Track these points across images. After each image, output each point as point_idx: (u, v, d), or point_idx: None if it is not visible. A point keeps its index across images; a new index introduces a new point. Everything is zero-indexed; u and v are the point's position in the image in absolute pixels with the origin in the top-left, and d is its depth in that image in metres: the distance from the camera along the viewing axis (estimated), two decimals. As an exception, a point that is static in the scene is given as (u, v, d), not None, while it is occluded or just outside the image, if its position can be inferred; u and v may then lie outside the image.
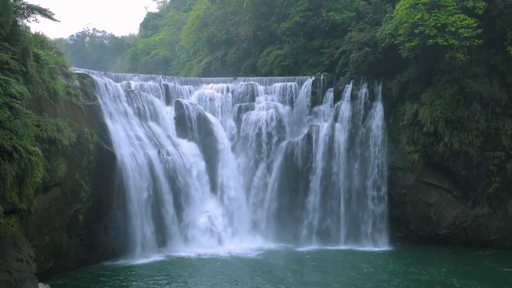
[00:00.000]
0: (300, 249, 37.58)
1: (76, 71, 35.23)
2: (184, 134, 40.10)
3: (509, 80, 37.89)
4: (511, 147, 37.76)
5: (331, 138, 40.14)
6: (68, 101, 31.28)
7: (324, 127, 40.61)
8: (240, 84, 43.66)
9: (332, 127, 40.41)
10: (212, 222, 38.25)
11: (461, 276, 30.70)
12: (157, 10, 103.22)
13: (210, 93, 43.09)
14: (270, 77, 45.58)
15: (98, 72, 40.91)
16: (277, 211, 39.81)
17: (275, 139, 41.22)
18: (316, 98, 42.08)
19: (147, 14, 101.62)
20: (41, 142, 26.65)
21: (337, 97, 41.58)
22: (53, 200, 28.91)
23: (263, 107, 42.22)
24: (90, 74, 35.98)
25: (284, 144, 40.86)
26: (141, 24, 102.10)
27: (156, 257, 33.88)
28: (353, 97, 41.16)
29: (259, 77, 45.93)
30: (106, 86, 35.79)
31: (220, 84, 44.07)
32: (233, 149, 41.43)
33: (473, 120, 37.83)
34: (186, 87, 43.40)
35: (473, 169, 38.20)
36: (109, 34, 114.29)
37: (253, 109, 42.38)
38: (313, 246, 38.29)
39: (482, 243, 37.89)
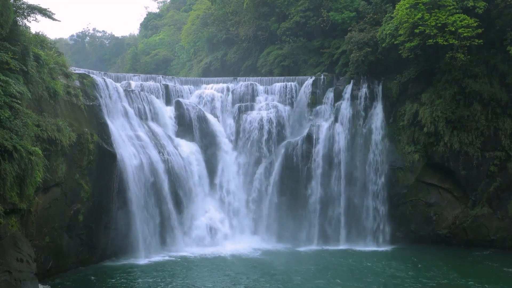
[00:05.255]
0: (301, 249, 37.58)
1: (76, 71, 35.21)
2: (184, 134, 40.09)
3: (509, 80, 37.86)
4: (511, 147, 37.75)
5: (331, 138, 40.14)
6: (68, 101, 31.26)
7: (324, 127, 40.60)
8: (240, 84, 43.63)
9: (332, 127, 40.42)
10: (213, 222, 38.30)
11: (461, 276, 30.71)
12: (157, 10, 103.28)
13: (210, 93, 43.08)
14: (270, 77, 45.55)
15: (98, 72, 40.91)
16: (277, 211, 39.77)
17: (275, 139, 41.20)
18: (316, 98, 42.06)
19: (147, 14, 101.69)
20: (41, 142, 26.63)
21: (337, 97, 41.58)
22: (53, 200, 28.88)
23: (263, 107, 42.22)
24: (90, 74, 35.98)
25: (284, 144, 40.84)
26: (141, 24, 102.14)
27: (157, 257, 33.86)
28: (353, 97, 41.16)
29: (259, 77, 45.89)
30: (106, 86, 35.77)
31: (220, 84, 44.04)
32: (233, 149, 41.43)
33: (473, 120, 37.83)
34: (186, 87, 43.38)
35: (473, 169, 38.20)
36: (109, 34, 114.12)
37: (253, 109, 42.37)
38: (313, 246, 38.28)
39: (482, 243, 37.90)
